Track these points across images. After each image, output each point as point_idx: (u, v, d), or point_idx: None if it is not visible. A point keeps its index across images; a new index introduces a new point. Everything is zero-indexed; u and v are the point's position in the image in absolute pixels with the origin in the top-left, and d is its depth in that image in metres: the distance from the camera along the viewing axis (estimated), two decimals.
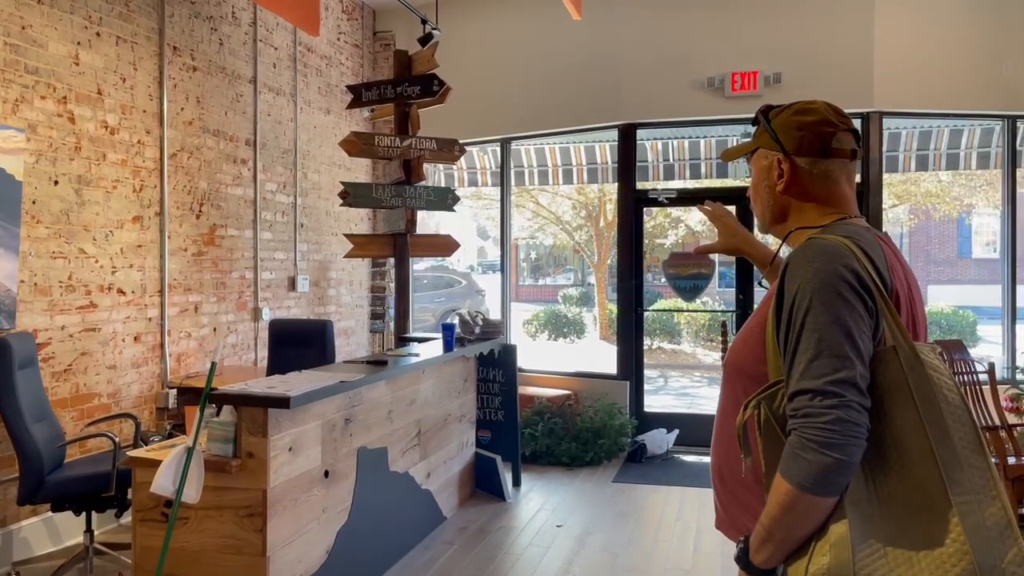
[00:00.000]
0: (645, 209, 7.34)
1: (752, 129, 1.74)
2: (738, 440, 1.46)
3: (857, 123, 6.51)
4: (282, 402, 3.11)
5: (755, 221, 1.73)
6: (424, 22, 6.05)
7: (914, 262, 21.02)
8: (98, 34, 4.78)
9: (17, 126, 4.22)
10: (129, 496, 3.79)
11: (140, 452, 3.42)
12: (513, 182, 8.44)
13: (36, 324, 4.39)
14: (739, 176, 7.97)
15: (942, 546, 1.27)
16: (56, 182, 4.51)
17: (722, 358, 6.78)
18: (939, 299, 17.18)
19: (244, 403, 3.17)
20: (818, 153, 1.57)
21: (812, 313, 1.36)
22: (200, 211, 5.67)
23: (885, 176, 6.72)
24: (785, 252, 1.68)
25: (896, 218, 16.15)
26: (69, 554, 4.20)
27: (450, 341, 4.96)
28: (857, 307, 1.36)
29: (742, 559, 1.44)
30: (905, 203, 14.89)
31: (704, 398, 10.48)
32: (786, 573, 1.37)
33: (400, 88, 5.97)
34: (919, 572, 1.25)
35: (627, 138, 7.04)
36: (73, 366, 4.64)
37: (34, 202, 4.36)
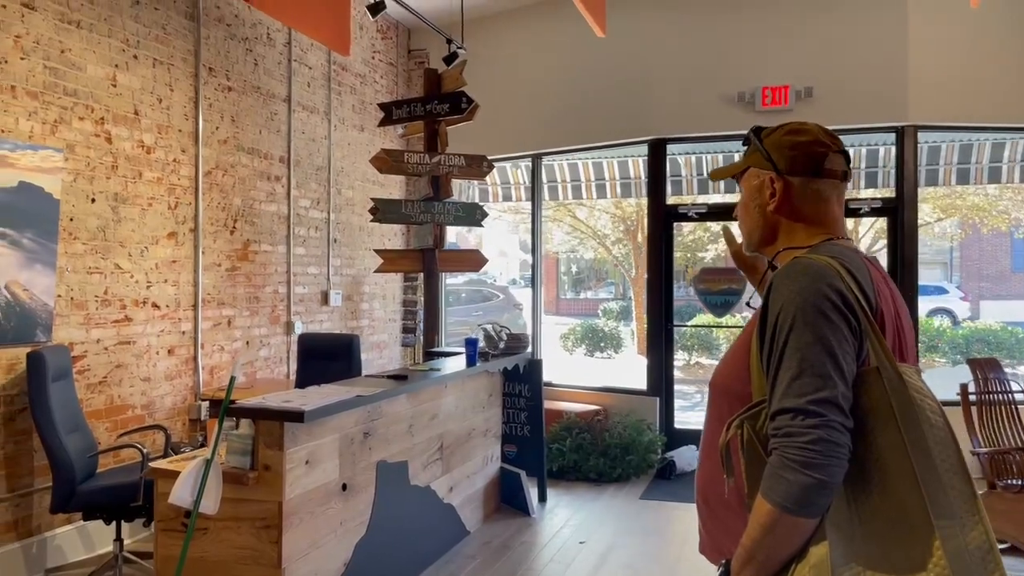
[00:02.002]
0: (684, 224, 7.31)
1: (742, 149, 1.74)
2: (721, 460, 1.46)
3: (891, 137, 6.43)
4: (296, 416, 3.17)
5: (744, 241, 1.73)
6: (449, 41, 6.14)
7: (964, 277, 20.53)
8: (135, 57, 4.95)
9: (55, 146, 4.39)
10: (154, 506, 3.88)
11: (162, 463, 3.52)
12: (547, 196, 8.48)
13: (72, 337, 4.54)
14: None
15: (924, 570, 1.26)
16: (93, 200, 4.67)
17: None
18: (989, 315, 16.75)
19: (260, 416, 3.24)
20: (810, 172, 1.57)
21: (795, 332, 1.35)
22: (234, 227, 5.81)
23: (928, 190, 6.63)
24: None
25: (943, 232, 15.81)
26: (100, 562, 4.32)
27: (472, 356, 5.00)
28: (840, 327, 1.35)
29: None
30: (951, 217, 14.57)
31: None
32: None
33: (429, 106, 6.06)
34: None
35: (657, 153, 7.04)
36: (108, 378, 4.79)
37: (71, 219, 4.52)
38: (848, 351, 1.35)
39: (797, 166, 1.58)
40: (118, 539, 4.18)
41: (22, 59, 4.22)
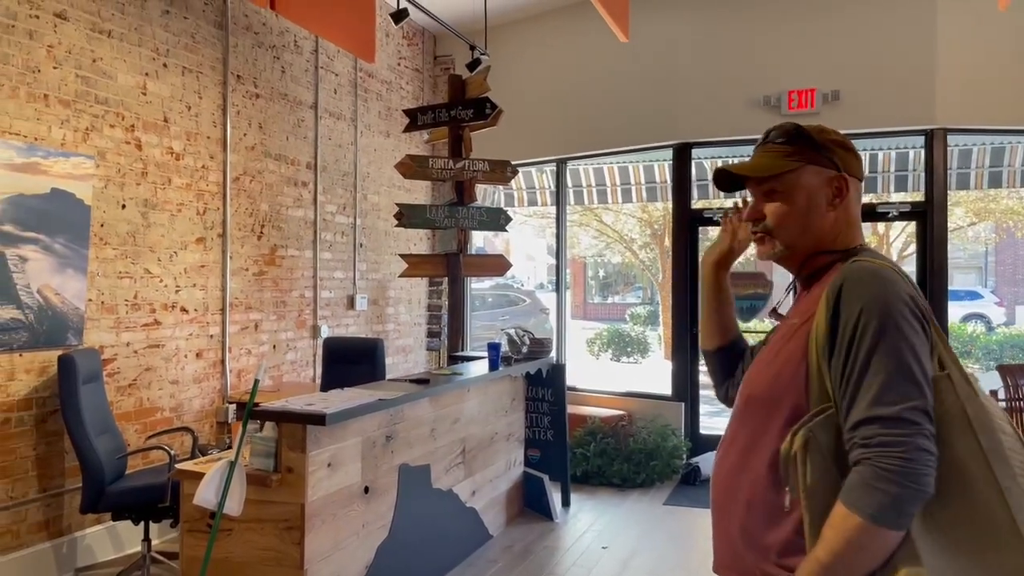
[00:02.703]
0: (707, 228, 7.27)
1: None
2: (781, 473, 1.39)
3: (920, 139, 6.35)
4: (318, 419, 3.21)
5: (775, 247, 1.56)
6: (472, 48, 6.17)
7: (999, 282, 20.17)
8: (165, 65, 5.04)
9: (87, 153, 4.48)
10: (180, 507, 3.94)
11: (187, 465, 3.58)
12: (572, 201, 8.49)
13: (103, 341, 4.63)
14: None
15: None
16: (123, 206, 4.76)
17: None
18: None
19: (283, 419, 3.29)
20: (858, 174, 1.55)
21: (883, 338, 1.31)
22: (261, 232, 5.89)
23: (960, 193, 6.53)
24: (775, 279, 1.65)
25: (977, 236, 15.56)
26: (128, 562, 4.40)
27: (495, 360, 5.02)
28: (920, 332, 1.33)
29: None
30: (984, 221, 14.33)
31: None
32: None
33: (454, 111, 6.09)
34: None
35: (682, 157, 7.02)
36: (137, 381, 4.87)
37: (102, 225, 4.61)
38: (928, 357, 1.33)
39: (851, 166, 1.54)
40: (146, 539, 4.25)
41: (55, 68, 4.32)
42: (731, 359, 1.86)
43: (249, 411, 3.18)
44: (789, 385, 1.44)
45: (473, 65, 6.13)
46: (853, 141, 1.61)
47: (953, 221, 12.82)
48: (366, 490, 3.70)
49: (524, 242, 22.07)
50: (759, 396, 1.51)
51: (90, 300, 4.54)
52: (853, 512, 1.27)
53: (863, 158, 1.66)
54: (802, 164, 1.52)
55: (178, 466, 3.60)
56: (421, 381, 4.33)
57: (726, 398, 1.84)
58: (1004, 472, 1.27)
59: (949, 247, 6.40)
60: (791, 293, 1.70)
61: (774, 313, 1.68)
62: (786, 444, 1.37)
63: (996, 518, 1.26)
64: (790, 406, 1.43)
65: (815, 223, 1.52)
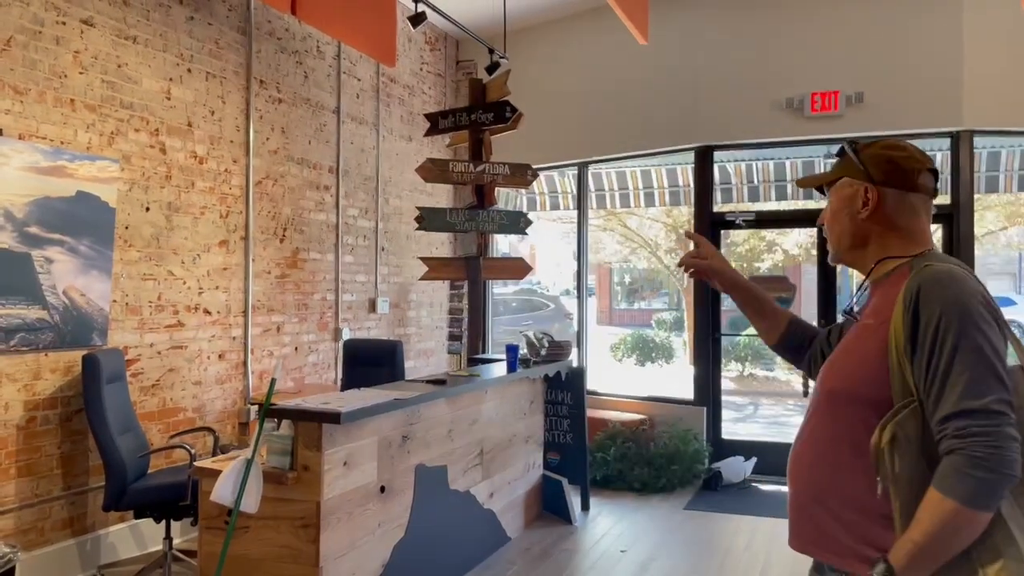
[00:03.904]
0: (731, 232, 7.23)
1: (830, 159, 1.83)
2: (874, 463, 1.50)
3: (946, 142, 6.27)
4: (334, 417, 3.24)
5: (829, 248, 1.81)
6: (491, 51, 6.20)
7: None
8: (189, 70, 5.12)
9: (112, 157, 4.56)
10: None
11: (206, 463, 3.62)
12: (594, 205, 8.48)
13: (127, 341, 4.70)
14: (822, 199, 7.76)
15: None
16: (148, 209, 4.83)
17: (805, 384, 6.52)
18: None
19: (299, 418, 3.32)
20: (904, 186, 1.67)
21: (964, 337, 1.43)
22: (284, 235, 5.95)
23: (991, 197, 6.43)
24: (851, 278, 1.72)
25: (1008, 241, 15.27)
26: (150, 559, 4.45)
27: (513, 362, 5.02)
28: (996, 329, 1.45)
29: None
30: (1017, 225, 14.08)
31: (794, 427, 10.13)
32: None
33: (474, 115, 6.12)
34: None
35: (704, 160, 6.99)
36: (160, 381, 4.94)
37: (127, 227, 4.69)
38: (1005, 351, 1.45)
39: (892, 178, 1.67)
40: (167, 537, 4.30)
41: (81, 74, 4.41)
42: (795, 344, 2.02)
43: (266, 409, 3.21)
44: (870, 380, 1.56)
45: (492, 69, 6.16)
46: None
47: (984, 226, 12.61)
48: (382, 489, 3.72)
49: (550, 247, 22.02)
50: (840, 391, 1.64)
51: (114, 301, 4.61)
52: (948, 497, 1.38)
53: None
54: (841, 176, 1.74)
55: (196, 464, 3.65)
56: (438, 382, 4.34)
57: (810, 373, 1.99)
58: None
59: (981, 252, 6.32)
60: (863, 293, 1.83)
61: (850, 312, 1.85)
62: (875, 437, 1.49)
63: None
64: (872, 400, 1.54)
65: (850, 229, 1.72)
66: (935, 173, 1.69)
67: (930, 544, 1.39)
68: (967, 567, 1.39)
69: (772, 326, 2.03)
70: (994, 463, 1.35)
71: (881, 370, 1.54)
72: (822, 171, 1.88)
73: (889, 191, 1.66)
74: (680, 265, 2.06)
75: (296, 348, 6.09)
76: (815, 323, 6.89)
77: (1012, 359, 1.50)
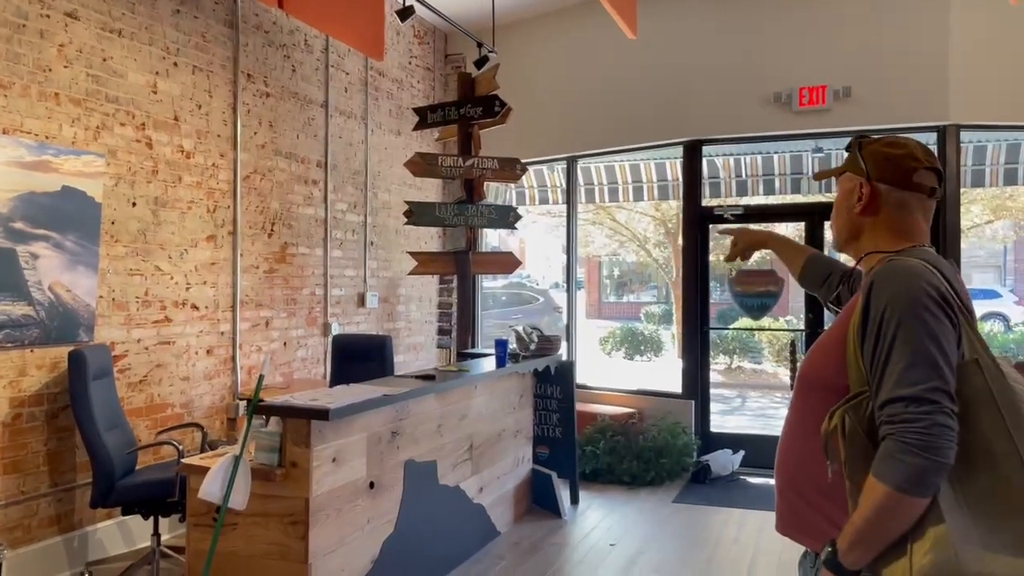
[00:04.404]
0: (718, 225, 7.25)
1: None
2: (824, 448, 1.55)
3: (932, 136, 6.29)
4: (322, 414, 3.23)
5: (833, 238, 1.88)
6: (480, 45, 6.18)
7: (1018, 280, 19.98)
8: (175, 64, 5.08)
9: (98, 151, 4.53)
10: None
11: (194, 460, 3.60)
12: (583, 199, 8.48)
13: (114, 337, 4.68)
14: (810, 192, 7.80)
15: None
16: (134, 204, 4.80)
17: (792, 377, 6.60)
18: None
19: (287, 415, 3.31)
20: (898, 184, 1.70)
21: (903, 327, 1.47)
22: (272, 230, 5.92)
23: (976, 191, 6.49)
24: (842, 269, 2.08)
25: (994, 234, 15.40)
26: (139, 556, 4.43)
27: (502, 357, 5.02)
28: (944, 321, 1.47)
29: (831, 562, 1.51)
30: (1002, 219, 14.18)
31: (782, 419, 10.20)
32: (880, 574, 1.45)
33: (463, 109, 6.11)
34: (1017, 567, 1.36)
35: (692, 154, 6.99)
36: (148, 377, 4.91)
37: (113, 222, 4.66)
38: (951, 343, 1.47)
39: (886, 175, 1.71)
40: (155, 534, 4.29)
41: (65, 67, 4.37)
42: (812, 282, 2.24)
43: (254, 406, 3.20)
44: (833, 368, 1.61)
45: (480, 63, 6.15)
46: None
47: (970, 219, 12.70)
48: (371, 485, 3.72)
49: (539, 241, 22.04)
50: (809, 377, 1.71)
51: (101, 297, 4.58)
52: (880, 482, 1.42)
53: None
54: (844, 171, 1.80)
55: (184, 460, 3.63)
56: (427, 377, 4.34)
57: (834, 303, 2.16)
58: None
59: (967, 245, 6.35)
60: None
61: (837, 303, 2.06)
62: (825, 423, 1.55)
63: (1018, 489, 1.40)
64: (835, 387, 1.59)
65: (847, 222, 1.78)
66: (937, 172, 1.71)
67: (868, 527, 1.43)
68: (901, 545, 1.42)
69: (793, 268, 2.29)
70: (922, 449, 1.38)
71: (841, 358, 1.59)
72: (815, 167, 1.95)
73: (883, 187, 1.70)
74: (728, 261, 2.49)
75: (285, 343, 6.08)
76: (803, 315, 6.93)
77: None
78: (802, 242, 4.23)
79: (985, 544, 1.37)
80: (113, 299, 4.68)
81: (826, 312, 6.96)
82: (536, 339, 5.47)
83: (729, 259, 2.48)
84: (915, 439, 1.39)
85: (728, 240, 2.51)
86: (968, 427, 1.43)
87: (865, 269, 1.74)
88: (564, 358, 5.94)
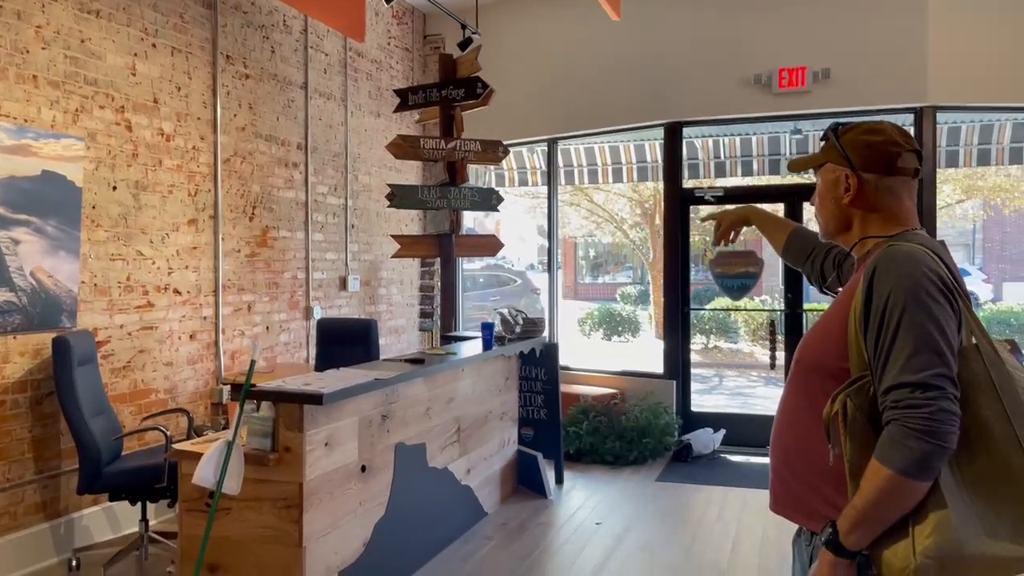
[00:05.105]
0: (703, 207, 7.30)
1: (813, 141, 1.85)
2: (825, 431, 1.56)
3: (909, 117, 6.38)
4: (315, 398, 3.23)
5: (818, 228, 1.87)
6: (464, 27, 6.15)
7: (986, 259, 20.33)
8: (154, 45, 5.00)
9: (77, 135, 4.46)
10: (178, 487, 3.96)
11: (185, 445, 3.60)
12: (563, 181, 8.49)
13: (96, 323, 4.63)
14: (788, 174, 7.89)
15: None
16: (114, 187, 4.74)
17: (771, 356, 6.68)
18: (1012, 297, 16.58)
19: (280, 399, 3.31)
20: (883, 170, 1.70)
21: (907, 313, 1.48)
22: (253, 214, 5.88)
23: (949, 171, 6.58)
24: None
25: (964, 214, 15.64)
26: (126, 542, 4.42)
27: (489, 340, 5.04)
28: (945, 307, 1.49)
29: (832, 543, 1.52)
30: (973, 198, 14.41)
31: (760, 398, 10.36)
32: (881, 556, 1.47)
33: (445, 91, 6.08)
34: (1017, 551, 1.39)
35: (673, 136, 7.02)
36: (131, 363, 4.87)
37: (93, 207, 4.60)
38: (953, 329, 1.49)
39: (871, 164, 1.70)
40: (143, 519, 4.28)
41: (43, 49, 4.29)
42: (794, 258, 2.27)
43: (246, 391, 3.19)
44: (833, 352, 1.62)
45: (464, 44, 6.11)
46: (846, 119, 1.78)
47: (942, 199, 12.87)
48: (363, 469, 3.73)
49: (515, 222, 22.05)
50: (807, 361, 1.72)
51: (83, 282, 4.53)
52: (884, 466, 1.44)
53: None
54: (825, 161, 1.78)
55: (176, 446, 3.62)
56: (416, 361, 4.35)
57: (821, 289, 2.20)
58: None
59: (939, 225, 6.45)
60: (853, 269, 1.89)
61: (833, 289, 2.04)
62: (827, 408, 1.56)
63: (1017, 473, 1.42)
64: (834, 371, 1.61)
65: (836, 213, 1.77)
66: (917, 153, 1.72)
67: (869, 510, 1.46)
68: (902, 527, 1.45)
69: (776, 243, 2.34)
70: (926, 434, 1.40)
71: (842, 343, 1.60)
72: (796, 152, 1.94)
73: (869, 176, 1.70)
74: (715, 243, 2.51)
75: (267, 327, 6.05)
76: (781, 295, 7.01)
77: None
78: None
79: (986, 527, 1.40)
80: (95, 284, 4.63)
81: (806, 290, 7.06)
82: (521, 322, 5.50)
83: (716, 241, 2.50)
84: (920, 424, 1.41)
85: (711, 225, 2.53)
86: (968, 412, 1.45)
87: (859, 255, 1.75)
88: (548, 340, 5.97)
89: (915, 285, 1.49)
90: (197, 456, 3.25)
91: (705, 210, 2.48)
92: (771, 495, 1.79)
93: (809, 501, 1.67)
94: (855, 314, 1.57)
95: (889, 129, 1.72)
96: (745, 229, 2.47)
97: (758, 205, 2.48)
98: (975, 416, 1.45)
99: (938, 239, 1.68)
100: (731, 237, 2.45)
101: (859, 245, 1.74)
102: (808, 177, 7.18)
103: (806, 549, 1.72)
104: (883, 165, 1.69)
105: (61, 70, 4.39)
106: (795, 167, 1.94)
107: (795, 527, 1.78)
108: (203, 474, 3.11)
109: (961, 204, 14.46)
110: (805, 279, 2.29)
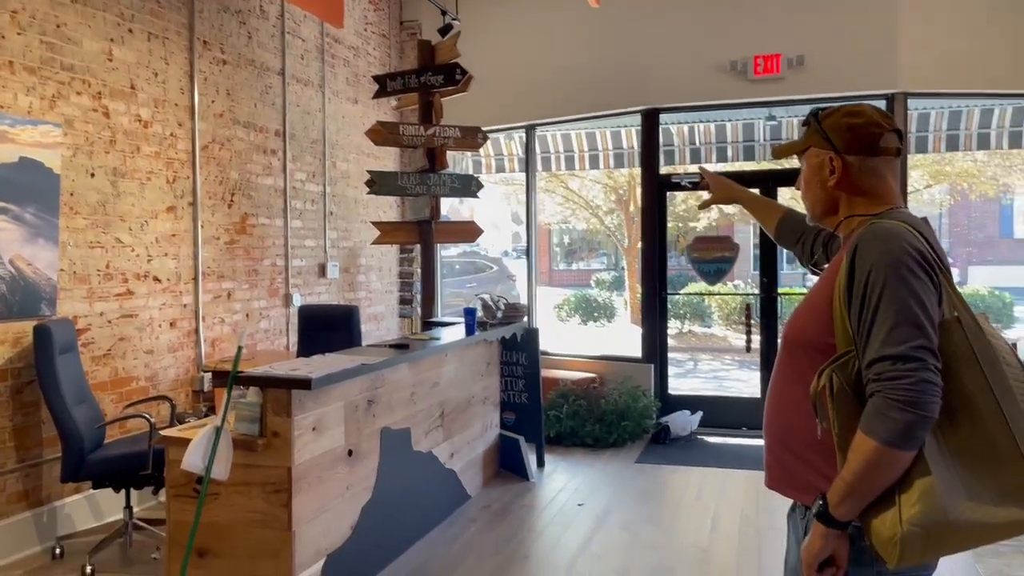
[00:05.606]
0: (676, 193, 7.37)
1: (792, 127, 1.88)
2: (813, 406, 1.60)
3: (881, 104, 6.48)
4: (304, 383, 3.25)
5: (806, 212, 1.91)
6: (443, 12, 6.14)
7: (953, 243, 20.70)
8: (130, 30, 4.96)
9: (54, 121, 4.41)
10: (165, 474, 3.96)
11: (172, 431, 3.60)
12: (540, 167, 8.53)
13: (76, 311, 4.60)
14: (764, 159, 8.00)
15: (1020, 494, 1.46)
16: (93, 175, 4.70)
17: (747, 340, 6.77)
18: (978, 280, 16.92)
19: (268, 385, 3.32)
20: (866, 152, 1.74)
21: (888, 288, 1.52)
22: (232, 201, 5.85)
23: (918, 157, 6.70)
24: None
25: (932, 199, 15.90)
26: (110, 529, 4.40)
27: (471, 325, 5.08)
28: (925, 281, 1.53)
29: (823, 514, 1.57)
30: (940, 183, 14.65)
31: (734, 380, 10.50)
32: (870, 526, 1.52)
33: (424, 77, 6.08)
34: (1000, 516, 1.44)
35: (650, 123, 7.08)
36: (112, 351, 4.85)
37: (72, 194, 4.56)
38: (933, 302, 1.53)
39: (854, 146, 1.74)
40: (128, 507, 4.27)
41: (19, 34, 4.24)
42: (787, 239, 2.31)
43: (234, 377, 3.21)
44: (819, 328, 1.66)
45: (445, 30, 6.11)
46: (819, 105, 1.84)
47: (911, 184, 13.09)
48: (350, 453, 3.76)
49: (490, 209, 22.05)
50: (795, 337, 1.76)
51: (62, 270, 4.50)
52: (869, 437, 1.48)
53: None
54: (808, 146, 1.82)
55: (163, 433, 3.62)
56: (400, 346, 4.38)
57: (811, 271, 2.22)
58: (1007, 400, 1.48)
59: (908, 209, 6.57)
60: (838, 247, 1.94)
61: (817, 268, 2.08)
62: (814, 383, 1.60)
63: (998, 442, 1.47)
64: (821, 346, 1.64)
65: (822, 196, 1.81)
66: (898, 133, 1.76)
67: (857, 481, 1.49)
68: (888, 496, 1.49)
69: (768, 226, 2.37)
70: (909, 404, 1.43)
71: (827, 318, 1.64)
72: (771, 138, 1.98)
73: (853, 158, 1.73)
74: (700, 208, 2.57)
75: (247, 315, 6.03)
76: (756, 280, 7.12)
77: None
78: None
79: (970, 494, 1.45)
80: (75, 272, 4.59)
81: (780, 275, 7.17)
82: (503, 307, 5.54)
83: (702, 207, 2.61)
84: (902, 395, 1.45)
85: (687, 212, 2.57)
86: (950, 382, 1.49)
87: (845, 233, 1.79)
88: (528, 325, 6.02)
89: (896, 261, 1.53)
90: (184, 442, 3.26)
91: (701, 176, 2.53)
92: (766, 472, 1.83)
93: (803, 475, 1.71)
94: (839, 290, 1.61)
95: (869, 111, 1.76)
96: (726, 211, 2.54)
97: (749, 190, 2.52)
98: (958, 387, 1.50)
99: (920, 216, 1.73)
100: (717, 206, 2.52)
101: (844, 224, 1.78)
102: (783, 163, 7.28)
103: (800, 523, 1.75)
104: (866, 146, 1.73)
105: (37, 56, 4.34)
106: (779, 154, 1.98)
107: (775, 506, 1.83)
108: (192, 460, 3.12)
109: (929, 189, 14.69)
110: (787, 261, 2.36)
